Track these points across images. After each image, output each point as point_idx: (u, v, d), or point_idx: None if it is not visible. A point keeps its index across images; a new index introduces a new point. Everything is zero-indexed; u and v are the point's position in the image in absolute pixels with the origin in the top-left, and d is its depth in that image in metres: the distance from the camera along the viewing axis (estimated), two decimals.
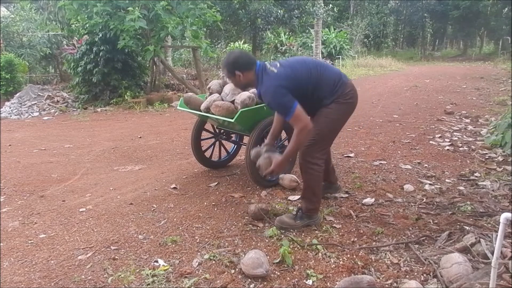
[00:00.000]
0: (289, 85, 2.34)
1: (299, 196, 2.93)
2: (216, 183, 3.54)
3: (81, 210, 2.99)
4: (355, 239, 2.48)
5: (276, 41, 18.47)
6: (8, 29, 11.87)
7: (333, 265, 2.18)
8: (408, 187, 3.37)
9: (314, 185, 2.62)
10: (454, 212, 2.82)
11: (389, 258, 2.25)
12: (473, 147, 4.66)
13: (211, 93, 3.44)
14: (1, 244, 2.46)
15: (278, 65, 2.44)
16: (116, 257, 2.28)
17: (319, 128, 2.47)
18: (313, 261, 2.23)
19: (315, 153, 2.52)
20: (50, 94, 8.89)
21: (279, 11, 15.65)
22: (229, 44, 16.51)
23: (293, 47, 19.38)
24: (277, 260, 2.21)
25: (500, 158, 4.14)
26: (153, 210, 2.98)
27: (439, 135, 5.32)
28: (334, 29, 22.22)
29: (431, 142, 4.98)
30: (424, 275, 2.06)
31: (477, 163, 4.04)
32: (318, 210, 2.69)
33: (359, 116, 6.92)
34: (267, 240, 2.47)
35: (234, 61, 2.44)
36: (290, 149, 2.44)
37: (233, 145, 4.11)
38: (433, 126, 5.91)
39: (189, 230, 2.63)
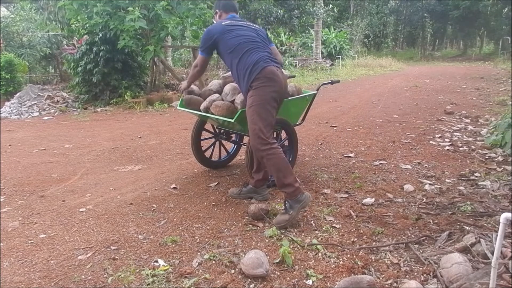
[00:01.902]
0: (216, 36, 2.85)
1: (279, 188, 2.90)
2: (216, 183, 3.54)
3: (81, 210, 2.99)
4: (355, 239, 2.48)
5: (276, 41, 18.48)
6: (8, 29, 11.87)
7: (333, 265, 2.18)
8: (408, 187, 3.37)
9: (279, 166, 2.65)
10: (454, 212, 2.82)
11: (389, 258, 2.25)
12: (473, 147, 4.66)
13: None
14: (1, 244, 2.46)
15: (229, 21, 2.93)
16: (116, 257, 2.28)
17: (252, 118, 2.70)
18: (313, 261, 2.23)
19: (262, 140, 2.66)
20: (50, 94, 8.89)
21: (279, 11, 15.67)
22: None
23: (293, 47, 19.39)
24: (277, 260, 2.21)
25: (500, 158, 4.14)
26: (153, 210, 2.98)
27: (439, 135, 5.32)
28: (334, 29, 22.24)
29: (431, 142, 4.98)
30: (424, 275, 2.06)
31: (477, 163, 4.04)
32: (299, 188, 2.65)
33: (359, 116, 6.93)
34: (267, 240, 2.47)
35: (221, 2, 3.12)
36: (190, 75, 3.27)
37: (233, 145, 4.12)
38: (433, 126, 5.91)
39: (189, 230, 2.63)
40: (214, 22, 3.15)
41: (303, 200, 2.65)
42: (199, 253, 2.32)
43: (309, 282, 2.03)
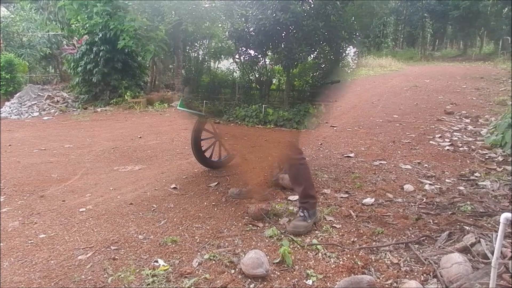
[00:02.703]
0: None
1: (300, 198, 2.87)
2: (216, 183, 3.54)
3: (81, 210, 2.99)
4: (355, 239, 2.48)
5: None
6: (8, 29, 11.88)
7: (333, 265, 2.18)
8: (408, 187, 3.36)
9: (307, 176, 2.72)
10: (454, 212, 2.82)
11: (389, 258, 2.25)
12: (473, 147, 4.66)
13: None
14: (1, 244, 2.46)
15: None
16: (116, 257, 2.28)
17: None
18: (313, 261, 2.22)
19: (297, 149, 2.75)
20: (50, 94, 8.89)
21: None
22: None
23: None
24: (277, 260, 2.21)
25: (500, 158, 4.14)
26: (153, 210, 2.98)
27: (439, 135, 5.32)
28: None
29: (431, 142, 4.98)
30: (424, 275, 2.06)
31: (477, 163, 4.04)
32: (316, 202, 2.76)
33: (359, 116, 6.93)
34: (267, 240, 2.47)
35: None
36: None
37: None
38: (433, 126, 5.91)
39: (189, 230, 2.63)
40: None
41: (317, 215, 2.71)
42: (199, 253, 2.32)
43: (309, 282, 2.03)
